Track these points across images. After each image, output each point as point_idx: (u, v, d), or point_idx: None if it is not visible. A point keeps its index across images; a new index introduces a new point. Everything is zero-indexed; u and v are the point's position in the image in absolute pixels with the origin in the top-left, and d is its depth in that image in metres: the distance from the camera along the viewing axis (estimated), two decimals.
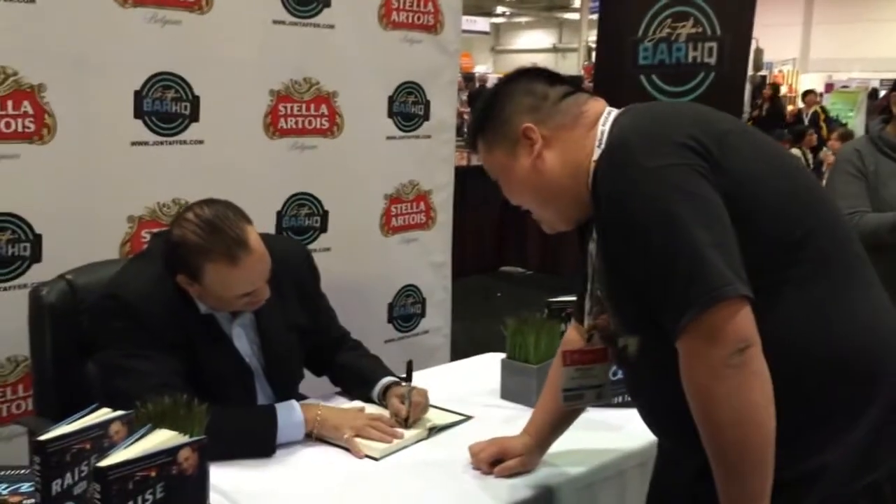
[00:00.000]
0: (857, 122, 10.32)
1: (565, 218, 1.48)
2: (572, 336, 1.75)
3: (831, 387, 1.29)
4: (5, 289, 2.33)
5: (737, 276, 1.21)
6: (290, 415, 1.86)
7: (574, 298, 2.01)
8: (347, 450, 1.84)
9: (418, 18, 3.17)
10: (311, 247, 2.78)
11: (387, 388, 2.05)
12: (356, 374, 2.15)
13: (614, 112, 1.43)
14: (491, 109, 1.49)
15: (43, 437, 1.21)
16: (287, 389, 2.04)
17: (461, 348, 3.39)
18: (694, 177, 1.25)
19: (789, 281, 1.28)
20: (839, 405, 1.30)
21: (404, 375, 1.99)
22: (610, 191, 1.31)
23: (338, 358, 2.18)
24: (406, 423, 1.93)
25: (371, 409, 2.04)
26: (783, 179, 1.34)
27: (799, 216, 1.31)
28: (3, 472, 1.51)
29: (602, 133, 1.39)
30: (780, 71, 16.82)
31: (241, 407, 1.90)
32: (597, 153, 1.37)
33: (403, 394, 1.96)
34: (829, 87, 13.11)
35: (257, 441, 1.81)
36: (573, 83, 1.50)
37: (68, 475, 1.24)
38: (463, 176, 3.59)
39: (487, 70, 19.39)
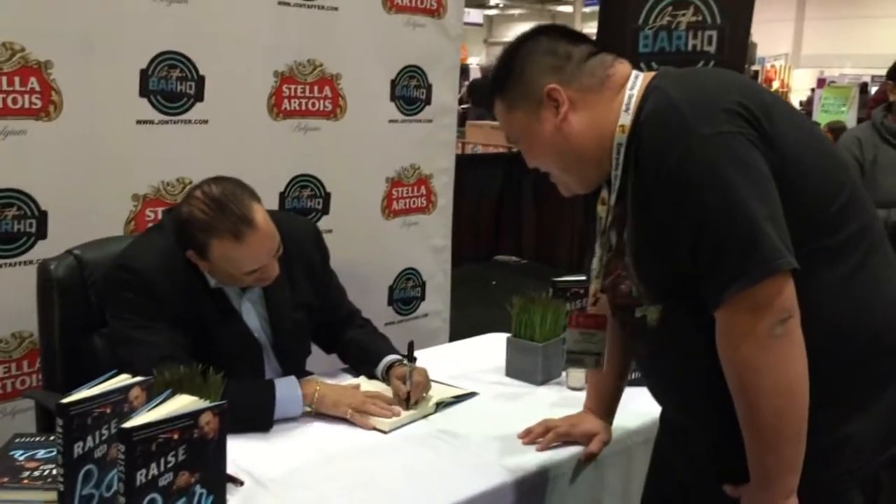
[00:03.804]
0: (849, 117, 10.36)
1: (586, 182, 1.45)
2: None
3: (859, 359, 1.29)
4: (11, 265, 2.33)
5: (788, 249, 1.21)
6: (289, 389, 1.87)
7: (581, 278, 2.02)
8: (352, 423, 1.86)
9: (421, 2, 3.17)
10: None
11: (390, 366, 2.07)
12: (362, 351, 2.16)
13: (642, 76, 1.38)
14: (511, 68, 1.41)
15: (66, 400, 1.22)
16: (294, 364, 2.06)
17: (459, 334, 3.40)
18: (747, 146, 1.23)
19: (822, 255, 1.28)
20: (866, 377, 1.30)
21: (406, 355, 2.00)
22: (662, 156, 1.26)
23: (346, 335, 2.19)
24: (408, 403, 1.94)
25: (369, 385, 2.06)
26: (818, 153, 1.33)
27: (833, 192, 1.31)
28: (18, 440, 1.53)
29: (630, 97, 1.34)
30: (773, 66, 16.86)
31: (240, 380, 1.90)
32: (624, 118, 1.34)
33: (404, 374, 1.97)
34: (821, 82, 13.12)
35: (256, 414, 1.82)
36: (596, 43, 1.45)
37: (89, 438, 1.25)
38: (459, 164, 3.56)
39: (480, 62, 19.35)
